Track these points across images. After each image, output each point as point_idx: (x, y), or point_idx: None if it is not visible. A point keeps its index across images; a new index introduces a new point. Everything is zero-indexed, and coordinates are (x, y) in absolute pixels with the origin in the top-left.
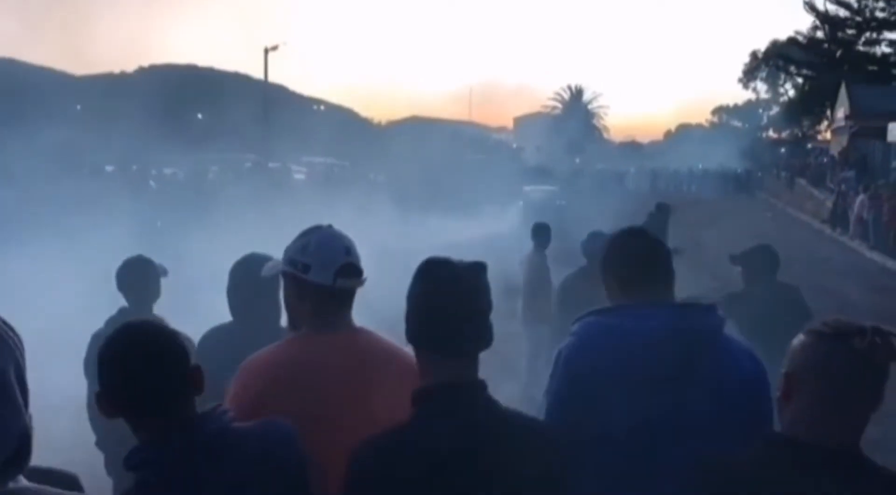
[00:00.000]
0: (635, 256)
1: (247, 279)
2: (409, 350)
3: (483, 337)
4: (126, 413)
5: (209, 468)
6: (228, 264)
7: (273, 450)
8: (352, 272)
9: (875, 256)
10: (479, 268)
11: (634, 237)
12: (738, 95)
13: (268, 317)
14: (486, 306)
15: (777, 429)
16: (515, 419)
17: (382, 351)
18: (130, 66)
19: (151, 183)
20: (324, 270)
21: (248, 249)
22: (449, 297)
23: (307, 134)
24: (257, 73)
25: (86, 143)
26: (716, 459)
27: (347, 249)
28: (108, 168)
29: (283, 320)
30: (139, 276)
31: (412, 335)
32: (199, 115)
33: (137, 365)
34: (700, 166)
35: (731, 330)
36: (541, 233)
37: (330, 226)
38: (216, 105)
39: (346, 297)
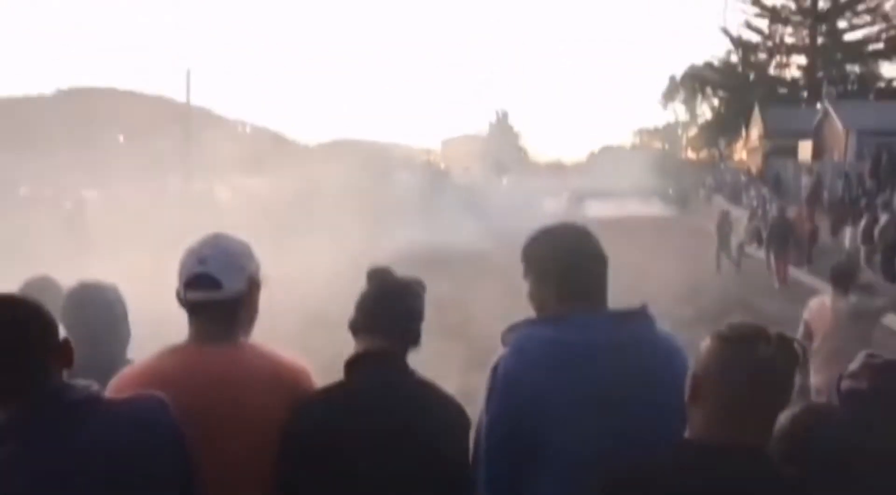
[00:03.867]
0: (584, 260)
1: (82, 310)
2: (296, 364)
3: (409, 331)
4: None
5: (77, 435)
6: (137, 287)
7: (145, 417)
8: (200, 283)
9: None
10: (412, 284)
11: (583, 238)
12: (659, 117)
13: (110, 349)
14: (411, 312)
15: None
16: (427, 385)
17: (259, 364)
18: (48, 89)
19: (67, 205)
20: (180, 283)
21: (158, 269)
22: (385, 296)
23: (232, 155)
24: (181, 97)
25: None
26: (625, 470)
27: (201, 259)
28: (23, 190)
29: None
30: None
31: (353, 325)
32: (121, 138)
33: None
34: (625, 185)
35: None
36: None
37: (211, 236)
38: (138, 128)
39: (211, 309)
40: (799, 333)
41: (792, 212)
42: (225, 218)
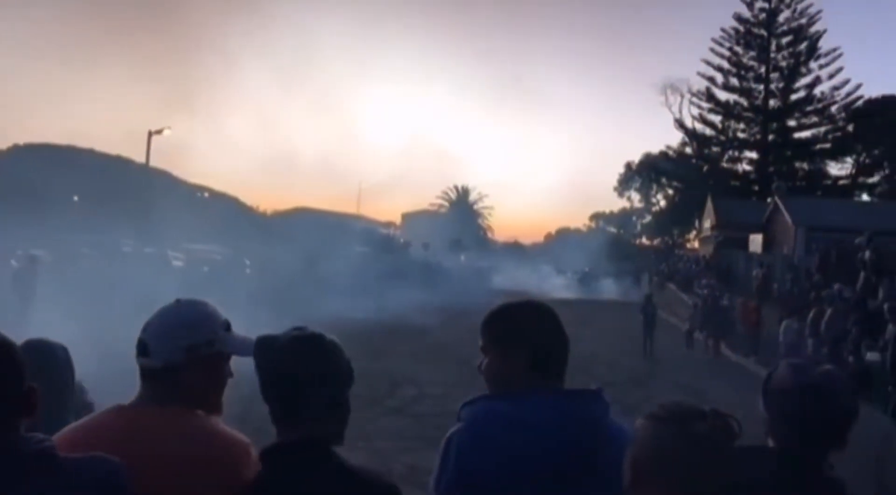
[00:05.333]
0: (551, 338)
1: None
2: (235, 438)
3: (302, 410)
4: None
5: (28, 487)
6: (83, 345)
7: (97, 477)
8: (138, 349)
9: (733, 356)
10: (307, 341)
11: (549, 316)
12: (614, 203)
13: (52, 410)
14: (311, 377)
15: None
16: (358, 472)
17: (190, 431)
18: (4, 143)
19: (13, 262)
20: None
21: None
22: (271, 368)
23: (189, 220)
24: (140, 158)
25: None
26: None
27: (146, 326)
28: None
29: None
30: None
31: (272, 415)
32: (76, 197)
33: None
34: (587, 269)
35: (615, 414)
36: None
37: (172, 303)
38: (95, 187)
39: (148, 376)
40: None
41: (737, 302)
42: (175, 284)
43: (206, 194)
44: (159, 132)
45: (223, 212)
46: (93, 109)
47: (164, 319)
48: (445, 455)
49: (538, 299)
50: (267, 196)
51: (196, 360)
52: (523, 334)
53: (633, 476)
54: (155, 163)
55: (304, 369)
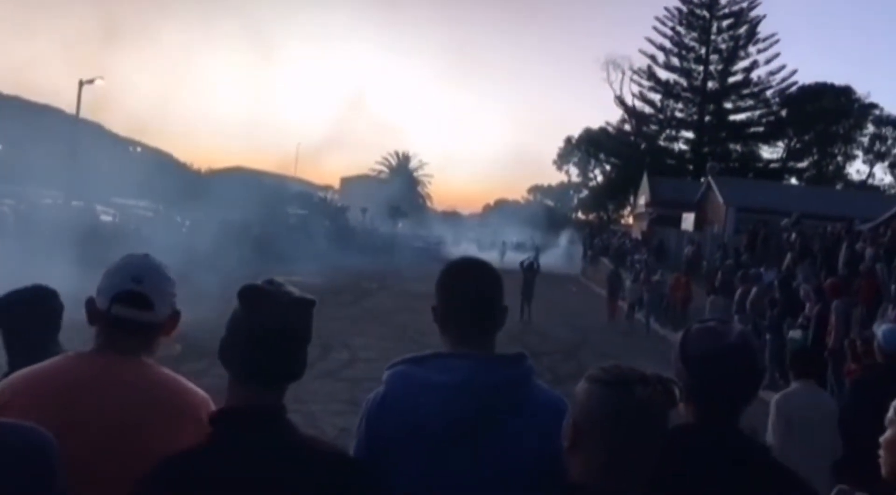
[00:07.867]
0: (475, 302)
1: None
2: (198, 392)
3: (288, 369)
4: None
5: None
6: None
7: (26, 449)
8: (132, 301)
9: (658, 328)
10: (306, 301)
11: (483, 280)
12: (553, 176)
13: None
14: (297, 340)
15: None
16: (314, 444)
17: (163, 384)
18: None
19: None
20: (103, 296)
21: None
22: (256, 325)
23: (120, 175)
24: (70, 108)
25: None
26: None
27: (137, 277)
28: None
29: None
30: None
31: (220, 356)
32: (0, 146)
33: None
34: (514, 240)
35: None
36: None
37: (142, 257)
38: (21, 137)
39: (133, 328)
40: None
41: (672, 277)
42: (104, 240)
43: (139, 149)
44: (91, 82)
45: (156, 167)
46: (21, 55)
47: (155, 274)
48: (360, 417)
49: (483, 262)
50: (203, 153)
51: (175, 315)
52: (449, 295)
53: (573, 437)
54: (85, 114)
55: (301, 330)
